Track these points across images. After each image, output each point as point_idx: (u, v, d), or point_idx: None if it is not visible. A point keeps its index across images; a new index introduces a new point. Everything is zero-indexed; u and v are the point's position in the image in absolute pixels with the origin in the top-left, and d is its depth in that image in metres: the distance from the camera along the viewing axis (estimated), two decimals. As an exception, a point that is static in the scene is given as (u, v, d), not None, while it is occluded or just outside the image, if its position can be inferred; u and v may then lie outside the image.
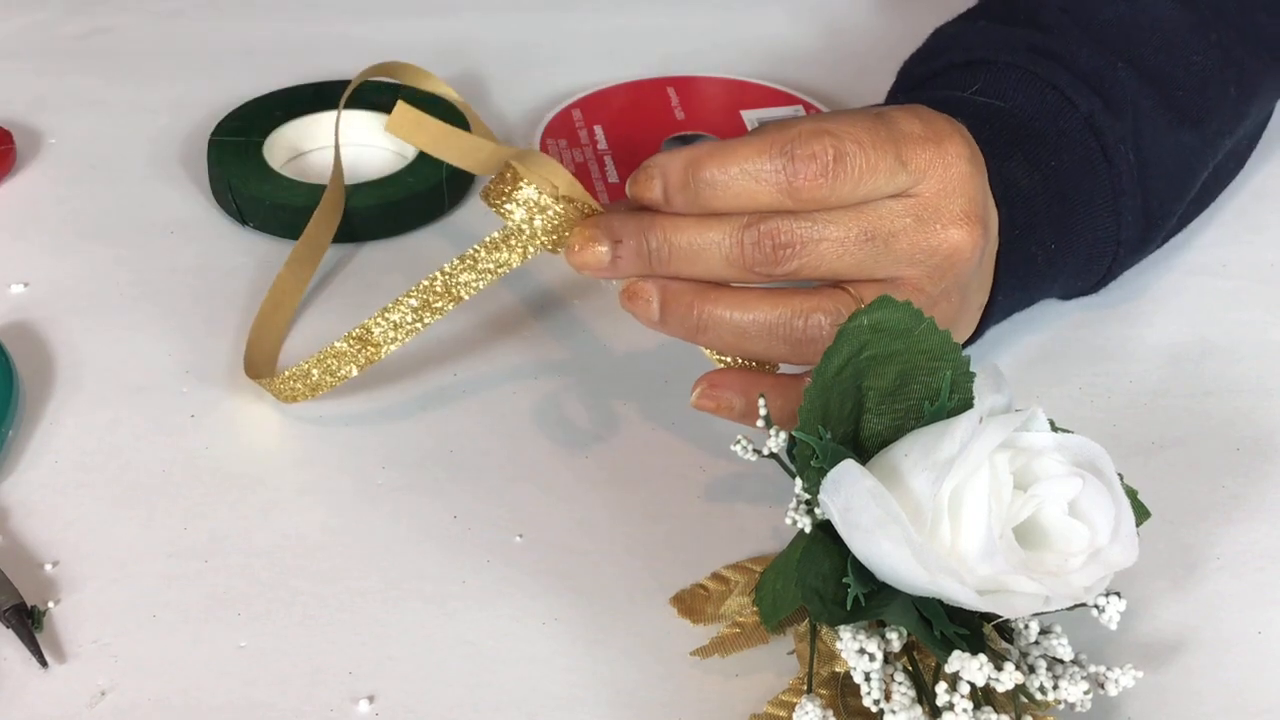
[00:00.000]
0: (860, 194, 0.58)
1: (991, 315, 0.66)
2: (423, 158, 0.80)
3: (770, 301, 0.59)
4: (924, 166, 0.59)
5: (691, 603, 0.59)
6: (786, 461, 0.55)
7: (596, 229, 0.59)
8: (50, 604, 0.59)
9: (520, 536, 0.62)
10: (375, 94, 0.84)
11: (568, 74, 0.88)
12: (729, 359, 0.61)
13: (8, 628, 0.58)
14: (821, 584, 0.52)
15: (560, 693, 0.56)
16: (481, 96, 0.86)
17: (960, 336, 0.63)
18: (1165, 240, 0.74)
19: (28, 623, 0.57)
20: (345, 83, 0.84)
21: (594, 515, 0.63)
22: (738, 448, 0.56)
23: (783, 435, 0.55)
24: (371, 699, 0.56)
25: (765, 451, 0.55)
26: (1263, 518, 0.63)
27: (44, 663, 0.57)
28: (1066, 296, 0.72)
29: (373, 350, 0.63)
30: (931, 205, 0.59)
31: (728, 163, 0.58)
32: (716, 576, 0.60)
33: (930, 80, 0.71)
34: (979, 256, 0.61)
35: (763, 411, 0.56)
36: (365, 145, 0.83)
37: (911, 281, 0.60)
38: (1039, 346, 0.71)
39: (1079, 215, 0.67)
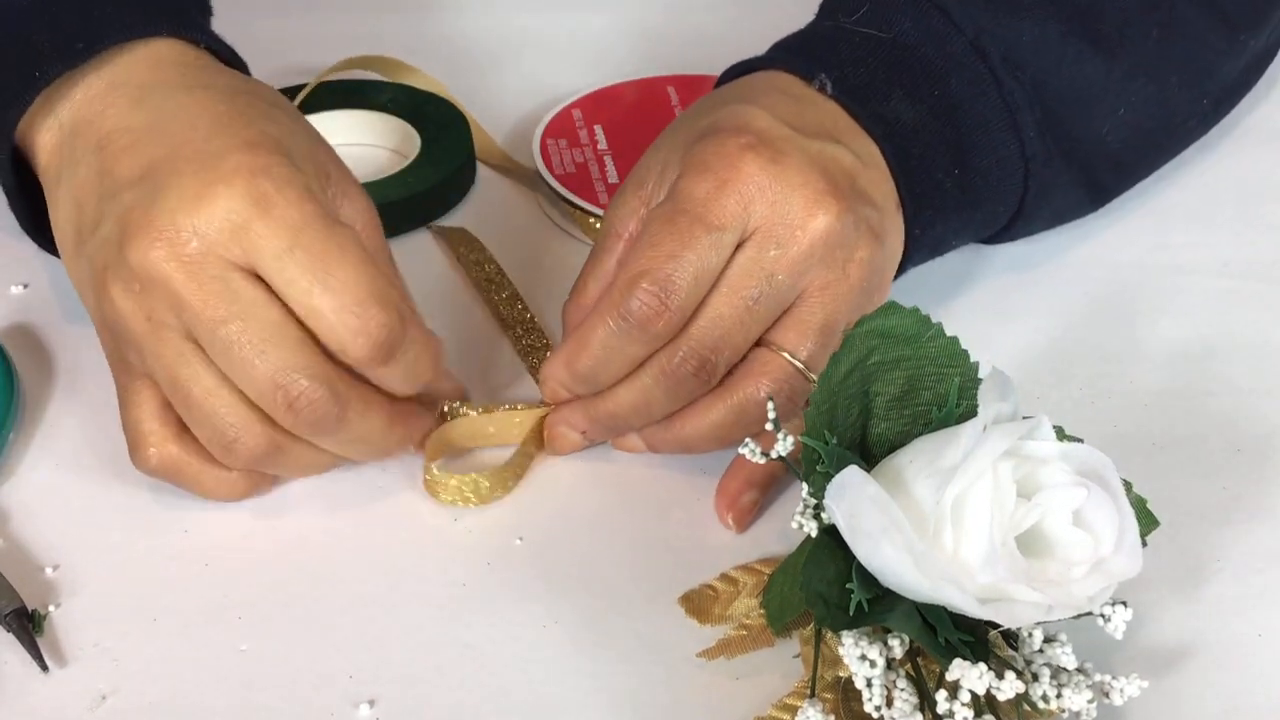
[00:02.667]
0: (706, 280, 0.60)
1: (913, 252, 0.66)
2: (423, 158, 0.80)
3: (718, 399, 0.62)
4: (740, 209, 0.60)
5: (699, 603, 0.59)
6: (794, 465, 0.55)
7: (558, 427, 0.65)
8: (51, 608, 0.59)
9: (520, 539, 0.62)
10: (376, 93, 0.83)
11: (568, 74, 0.88)
12: None
13: (8, 631, 0.58)
14: (826, 588, 0.52)
15: (561, 695, 0.56)
16: (481, 96, 0.86)
17: (892, 244, 0.64)
18: (1104, 187, 0.74)
19: (28, 626, 0.57)
20: (348, 83, 0.84)
21: (594, 517, 0.63)
22: (745, 450, 0.56)
23: (790, 439, 0.55)
24: (372, 703, 0.56)
25: (774, 454, 0.55)
26: (1263, 519, 0.63)
27: (44, 667, 0.57)
28: (1001, 230, 0.71)
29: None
30: (777, 224, 0.61)
31: (589, 353, 0.61)
32: (725, 577, 0.60)
33: (830, 4, 0.71)
34: (848, 210, 0.61)
35: (771, 415, 0.56)
36: (365, 145, 0.83)
37: (815, 285, 0.61)
38: (1039, 347, 0.71)
39: (976, 137, 0.67)
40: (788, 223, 0.61)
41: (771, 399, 0.56)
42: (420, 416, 0.63)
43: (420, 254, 0.77)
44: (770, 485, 0.63)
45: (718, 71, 0.88)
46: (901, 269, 0.67)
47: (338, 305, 0.57)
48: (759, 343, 0.62)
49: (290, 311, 0.58)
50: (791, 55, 0.67)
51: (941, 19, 0.67)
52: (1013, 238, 0.72)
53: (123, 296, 0.59)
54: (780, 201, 0.60)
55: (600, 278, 0.63)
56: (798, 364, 0.61)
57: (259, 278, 0.58)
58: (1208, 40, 0.74)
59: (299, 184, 0.58)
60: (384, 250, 0.63)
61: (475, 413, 0.65)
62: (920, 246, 0.67)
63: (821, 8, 0.72)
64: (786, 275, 0.61)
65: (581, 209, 0.78)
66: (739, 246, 0.61)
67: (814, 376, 0.60)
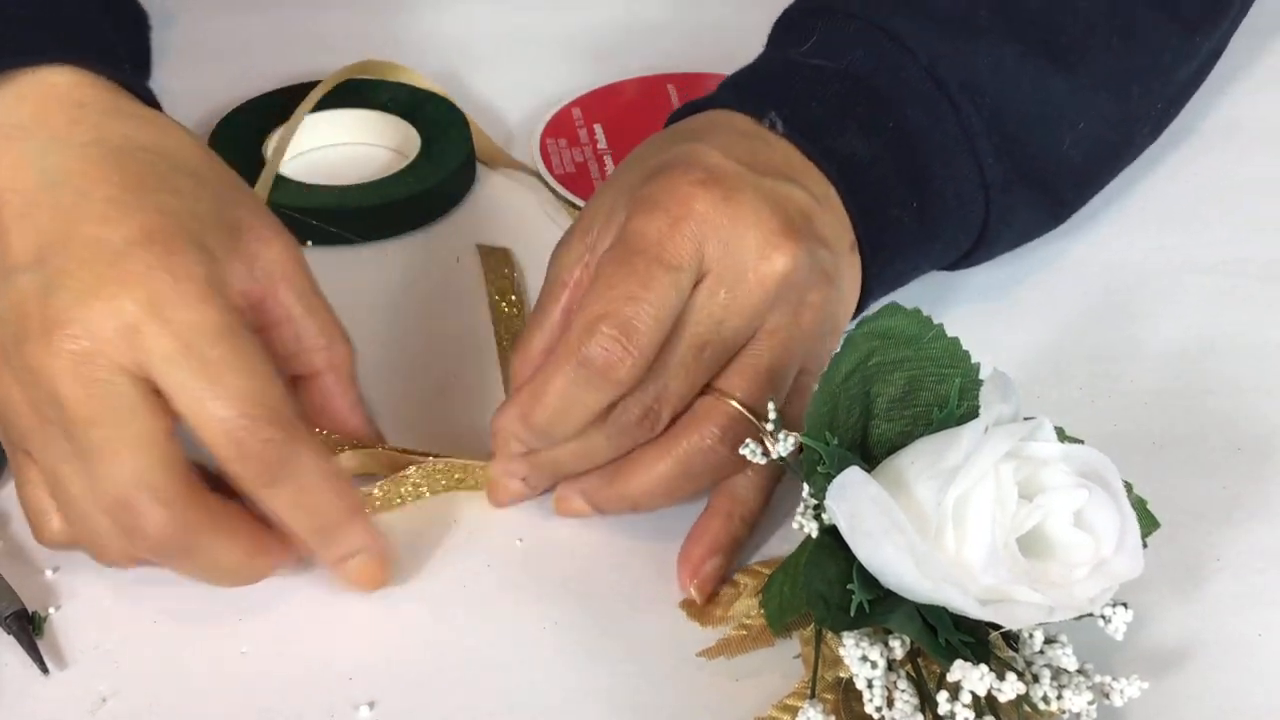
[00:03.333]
0: (667, 322, 0.57)
1: (873, 289, 0.64)
2: (423, 158, 0.80)
3: (664, 452, 0.60)
4: (694, 248, 0.58)
5: (701, 604, 0.59)
6: (795, 466, 0.55)
7: (500, 473, 0.62)
8: (51, 610, 0.59)
9: (520, 540, 0.62)
10: (376, 93, 0.83)
11: (568, 73, 0.88)
12: None
13: (9, 634, 0.58)
14: (827, 589, 0.52)
15: (562, 696, 0.56)
16: (481, 95, 0.86)
17: (846, 286, 0.63)
18: (1066, 203, 0.72)
19: (29, 629, 0.57)
20: (348, 82, 0.84)
21: (594, 518, 0.63)
22: (746, 450, 0.56)
23: (791, 439, 0.55)
24: (372, 705, 0.56)
25: (775, 455, 0.55)
26: (1263, 518, 0.63)
27: (45, 669, 0.57)
28: (960, 257, 0.70)
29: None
30: (729, 267, 0.58)
31: (545, 405, 0.58)
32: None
33: (781, 33, 0.70)
34: (804, 252, 0.59)
35: (772, 416, 0.56)
36: (365, 145, 0.83)
37: (766, 328, 0.59)
38: (1039, 346, 0.71)
39: (934, 166, 0.65)
40: (739, 266, 0.58)
41: (772, 400, 0.56)
42: (289, 546, 0.58)
43: (421, 252, 0.77)
44: (736, 551, 0.61)
45: (717, 69, 0.88)
46: (862, 306, 0.65)
47: (225, 416, 0.54)
48: (705, 388, 0.60)
49: (167, 428, 0.55)
50: (741, 94, 0.65)
51: (895, 47, 0.66)
52: (975, 263, 0.71)
53: (13, 384, 0.56)
54: (732, 241, 0.58)
55: (547, 328, 0.61)
56: (745, 410, 0.59)
57: (152, 385, 0.55)
58: (1167, 44, 0.73)
59: (199, 278, 0.55)
60: (312, 288, 0.61)
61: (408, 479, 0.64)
62: (879, 284, 0.65)
63: (770, 39, 0.70)
64: (736, 321, 0.59)
65: (581, 209, 0.78)
66: (696, 286, 0.59)
67: (760, 424, 0.59)
